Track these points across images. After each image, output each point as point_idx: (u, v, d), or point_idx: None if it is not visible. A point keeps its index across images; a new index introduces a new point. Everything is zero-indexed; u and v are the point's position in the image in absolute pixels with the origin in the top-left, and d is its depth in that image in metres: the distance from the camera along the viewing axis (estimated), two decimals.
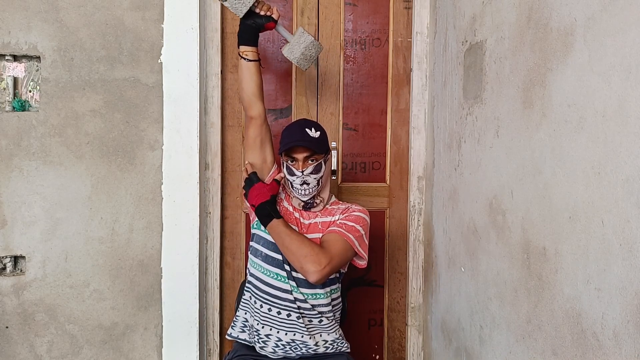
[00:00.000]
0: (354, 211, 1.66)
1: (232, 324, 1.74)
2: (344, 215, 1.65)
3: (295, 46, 1.68)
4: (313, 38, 1.69)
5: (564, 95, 1.11)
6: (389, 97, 2.19)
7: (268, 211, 1.58)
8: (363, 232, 1.62)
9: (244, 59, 1.64)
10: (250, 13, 1.62)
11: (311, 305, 1.63)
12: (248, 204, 1.65)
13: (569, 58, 1.09)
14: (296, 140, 1.60)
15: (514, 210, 1.34)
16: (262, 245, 1.67)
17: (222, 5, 2.04)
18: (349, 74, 2.17)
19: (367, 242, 1.64)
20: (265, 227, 1.59)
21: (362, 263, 1.63)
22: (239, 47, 1.66)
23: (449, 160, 1.85)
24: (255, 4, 1.62)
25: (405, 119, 2.19)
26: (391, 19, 2.17)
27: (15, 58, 1.85)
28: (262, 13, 1.64)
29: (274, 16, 1.65)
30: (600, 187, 0.98)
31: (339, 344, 1.68)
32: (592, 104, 1.01)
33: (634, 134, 0.89)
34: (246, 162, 1.73)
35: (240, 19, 1.63)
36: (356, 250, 1.58)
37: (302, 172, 1.61)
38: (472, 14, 1.63)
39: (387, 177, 2.21)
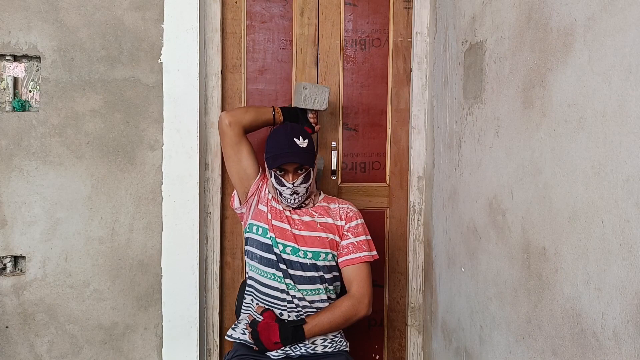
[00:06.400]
0: (352, 220, 1.73)
1: (234, 326, 1.75)
2: (347, 226, 1.72)
3: (313, 94, 1.87)
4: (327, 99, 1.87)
5: (564, 95, 1.11)
6: (389, 97, 2.19)
7: (291, 330, 1.59)
8: (369, 237, 1.74)
9: (273, 113, 1.80)
10: (305, 110, 1.87)
11: (309, 301, 1.66)
12: (272, 341, 1.61)
13: (569, 58, 1.09)
14: (286, 154, 1.61)
15: (514, 210, 1.34)
16: (256, 248, 1.70)
17: (222, 5, 2.04)
18: (349, 74, 2.17)
19: (370, 238, 1.75)
20: (307, 339, 1.61)
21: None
22: (277, 107, 1.84)
23: (449, 160, 1.85)
24: (314, 111, 1.87)
25: (405, 119, 2.19)
26: (391, 19, 2.17)
27: (15, 58, 1.85)
28: (311, 121, 1.87)
29: (316, 129, 1.88)
30: (600, 187, 0.98)
31: (338, 342, 1.69)
32: (592, 104, 1.01)
33: (634, 134, 0.89)
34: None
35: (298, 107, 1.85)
36: (373, 258, 1.71)
37: (293, 183, 1.64)
38: (472, 14, 1.63)
39: (387, 177, 2.21)
